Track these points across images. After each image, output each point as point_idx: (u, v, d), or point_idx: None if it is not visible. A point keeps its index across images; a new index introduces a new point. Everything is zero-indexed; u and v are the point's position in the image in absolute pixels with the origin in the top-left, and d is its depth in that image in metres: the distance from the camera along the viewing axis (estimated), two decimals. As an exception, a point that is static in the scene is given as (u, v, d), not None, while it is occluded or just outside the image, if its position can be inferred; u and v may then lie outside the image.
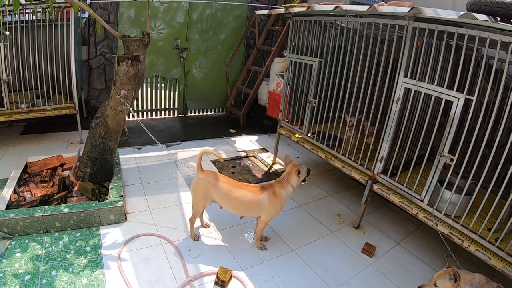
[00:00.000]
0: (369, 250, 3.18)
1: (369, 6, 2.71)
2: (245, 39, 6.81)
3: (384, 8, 2.69)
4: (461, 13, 2.18)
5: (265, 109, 6.49)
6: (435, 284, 2.13)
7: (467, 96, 2.52)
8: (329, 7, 3.11)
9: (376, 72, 3.26)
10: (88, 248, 2.78)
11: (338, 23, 3.70)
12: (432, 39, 2.76)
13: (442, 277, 2.11)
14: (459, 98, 2.56)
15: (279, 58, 6.20)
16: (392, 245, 3.35)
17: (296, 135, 4.35)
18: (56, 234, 2.91)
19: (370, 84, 3.31)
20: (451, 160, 2.66)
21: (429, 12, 2.29)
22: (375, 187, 3.28)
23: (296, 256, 3.02)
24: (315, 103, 3.91)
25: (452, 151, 2.69)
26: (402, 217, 3.84)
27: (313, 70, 3.88)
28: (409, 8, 2.48)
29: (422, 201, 2.93)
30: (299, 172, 2.91)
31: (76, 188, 3.28)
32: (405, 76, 2.94)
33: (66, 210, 2.92)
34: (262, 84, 6.49)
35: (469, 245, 2.59)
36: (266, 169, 4.72)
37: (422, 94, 2.86)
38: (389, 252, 3.24)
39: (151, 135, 3.43)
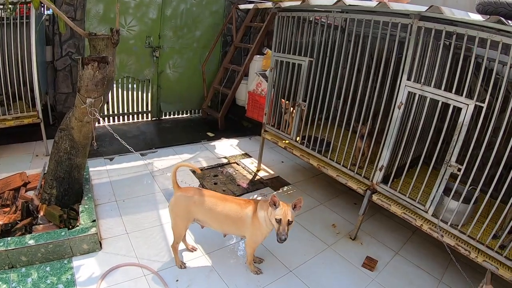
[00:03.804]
0: (370, 264, 2.99)
1: (378, 2, 2.46)
2: (222, 36, 6.46)
3: (396, 5, 2.44)
4: (477, 15, 1.96)
5: (244, 110, 6.22)
6: None
7: (477, 103, 2.34)
8: (329, 1, 2.78)
9: (375, 74, 3.04)
10: (60, 286, 2.37)
11: (329, 22, 3.43)
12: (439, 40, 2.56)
13: None
14: (468, 105, 2.38)
15: (258, 56, 5.94)
16: (391, 255, 3.19)
17: (284, 141, 4.06)
18: (23, 269, 2.49)
19: (369, 87, 3.09)
20: (459, 170, 2.49)
21: (448, 12, 2.05)
22: (374, 197, 3.06)
23: (294, 277, 2.76)
24: (304, 106, 3.64)
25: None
26: (396, 222, 3.69)
27: (302, 70, 3.61)
28: (427, 7, 2.24)
29: (427, 212, 2.75)
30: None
31: (42, 213, 2.86)
32: (409, 79, 2.72)
33: (31, 242, 2.50)
34: (240, 84, 6.17)
35: (476, 256, 2.47)
36: (250, 177, 4.42)
37: (428, 99, 2.65)
38: (390, 264, 3.07)
39: (126, 145, 3.07)
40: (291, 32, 3.77)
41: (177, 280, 2.56)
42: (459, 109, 2.44)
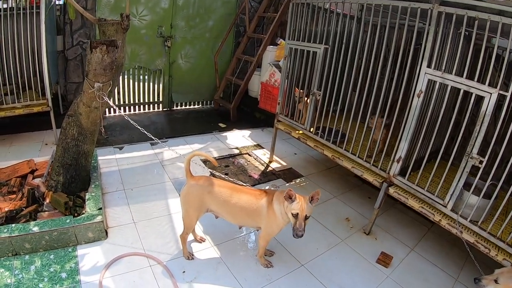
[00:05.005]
0: (385, 260, 2.85)
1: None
2: (235, 26, 6.32)
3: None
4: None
5: (256, 101, 6.11)
6: (496, 281, 1.97)
7: (501, 92, 2.19)
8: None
9: (392, 65, 2.90)
10: (64, 275, 2.32)
11: (344, 12, 3.28)
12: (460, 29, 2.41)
13: (508, 275, 1.96)
14: (491, 94, 2.22)
15: (271, 46, 5.80)
16: (406, 251, 3.05)
17: (297, 131, 3.94)
18: (27, 257, 2.45)
19: (386, 79, 2.94)
20: (481, 162, 2.34)
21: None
22: (391, 190, 2.92)
23: (306, 272, 2.65)
24: (319, 95, 3.50)
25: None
26: (412, 218, 3.55)
27: (317, 58, 3.46)
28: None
29: (446, 206, 2.60)
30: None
31: (47, 200, 2.81)
32: (429, 66, 2.56)
33: (36, 229, 2.45)
34: (253, 75, 6.05)
35: (496, 254, 2.33)
36: (262, 168, 4.31)
37: (449, 88, 2.49)
38: (405, 260, 2.94)
39: (145, 132, 3.00)
40: (306, 21, 3.64)
41: (183, 272, 2.48)
42: (478, 101, 2.29)
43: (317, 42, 3.49)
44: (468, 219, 2.48)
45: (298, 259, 2.77)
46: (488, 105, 2.24)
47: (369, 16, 3.11)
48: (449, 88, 2.49)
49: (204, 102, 6.74)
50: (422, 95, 2.60)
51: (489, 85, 2.25)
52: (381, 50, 2.99)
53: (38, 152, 4.02)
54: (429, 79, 2.57)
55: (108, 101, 2.70)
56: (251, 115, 6.34)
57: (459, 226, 2.52)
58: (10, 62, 3.85)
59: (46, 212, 2.70)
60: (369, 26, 3.08)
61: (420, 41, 2.76)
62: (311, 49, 3.53)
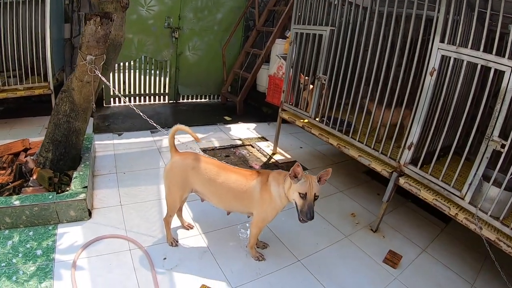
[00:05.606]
0: (393, 259, 2.59)
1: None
2: (244, 20, 6.19)
3: None
4: None
5: (264, 96, 5.93)
6: None
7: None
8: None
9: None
10: (39, 252, 2.19)
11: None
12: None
13: None
14: (512, 67, 1.98)
15: (280, 39, 5.63)
16: (417, 252, 2.78)
17: (302, 120, 3.72)
18: (6, 231, 2.35)
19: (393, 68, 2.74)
20: (503, 146, 2.07)
21: None
22: (401, 181, 2.66)
23: (302, 268, 2.41)
24: (325, 80, 3.28)
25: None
26: (424, 217, 3.28)
27: (323, 41, 3.26)
28: None
29: (463, 198, 2.33)
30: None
31: (34, 176, 2.69)
32: (442, 41, 2.33)
33: (17, 202, 2.34)
34: (261, 69, 5.90)
35: None
36: (265, 159, 4.11)
37: (464, 65, 2.26)
38: (415, 262, 2.67)
39: (143, 115, 2.81)
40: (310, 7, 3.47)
41: (164, 258, 2.28)
42: (496, 94, 2.05)
43: (323, 25, 3.29)
44: (489, 214, 2.21)
45: (294, 254, 2.53)
46: (509, 81, 2.00)
47: (376, 6, 2.91)
48: (464, 65, 2.25)
49: (211, 96, 6.61)
50: (435, 73, 2.35)
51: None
52: (387, 39, 2.79)
53: (38, 134, 3.95)
54: (442, 55, 2.33)
55: (100, 75, 2.60)
56: (259, 109, 6.17)
57: (478, 221, 2.25)
58: (14, 47, 3.87)
59: (31, 188, 2.59)
60: (375, 15, 2.88)
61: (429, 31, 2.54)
62: (317, 32, 3.34)
